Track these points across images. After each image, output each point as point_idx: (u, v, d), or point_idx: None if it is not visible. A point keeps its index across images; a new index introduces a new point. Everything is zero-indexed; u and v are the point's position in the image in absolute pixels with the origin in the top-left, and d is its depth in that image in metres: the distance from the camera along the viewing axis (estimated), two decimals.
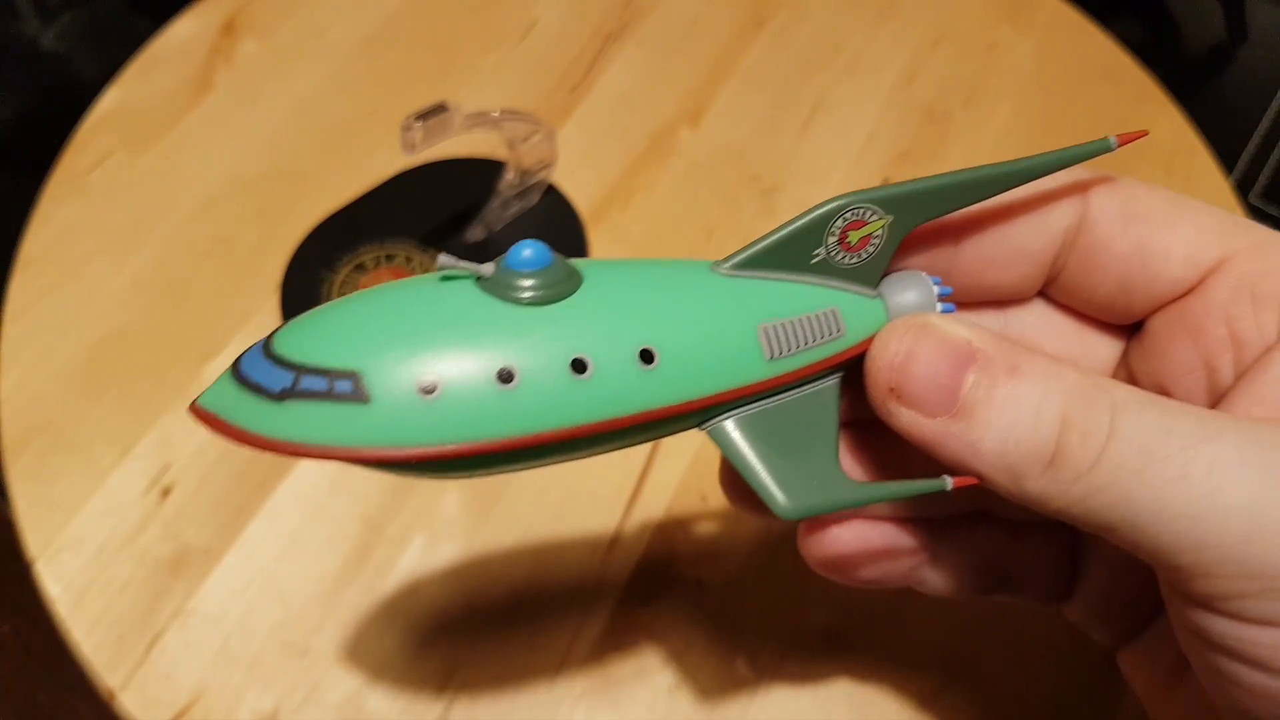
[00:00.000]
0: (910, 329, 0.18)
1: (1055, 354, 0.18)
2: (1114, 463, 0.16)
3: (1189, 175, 0.43)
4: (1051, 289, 0.21)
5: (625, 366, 0.16)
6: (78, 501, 0.33)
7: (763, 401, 0.18)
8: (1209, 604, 0.16)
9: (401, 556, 0.33)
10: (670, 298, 0.18)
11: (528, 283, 0.16)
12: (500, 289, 0.16)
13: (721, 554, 0.33)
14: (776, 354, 0.18)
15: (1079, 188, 0.20)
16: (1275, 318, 0.18)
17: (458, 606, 0.32)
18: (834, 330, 0.19)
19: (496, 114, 0.37)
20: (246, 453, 0.34)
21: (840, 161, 0.43)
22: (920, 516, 0.23)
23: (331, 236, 0.40)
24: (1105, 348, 0.22)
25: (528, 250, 0.16)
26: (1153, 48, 0.49)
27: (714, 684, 0.31)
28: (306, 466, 0.34)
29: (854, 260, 0.19)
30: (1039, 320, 0.22)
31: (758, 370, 0.18)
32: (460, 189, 0.41)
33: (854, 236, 0.19)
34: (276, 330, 0.16)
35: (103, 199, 0.41)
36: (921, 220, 0.19)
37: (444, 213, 0.40)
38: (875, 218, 0.18)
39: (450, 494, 0.34)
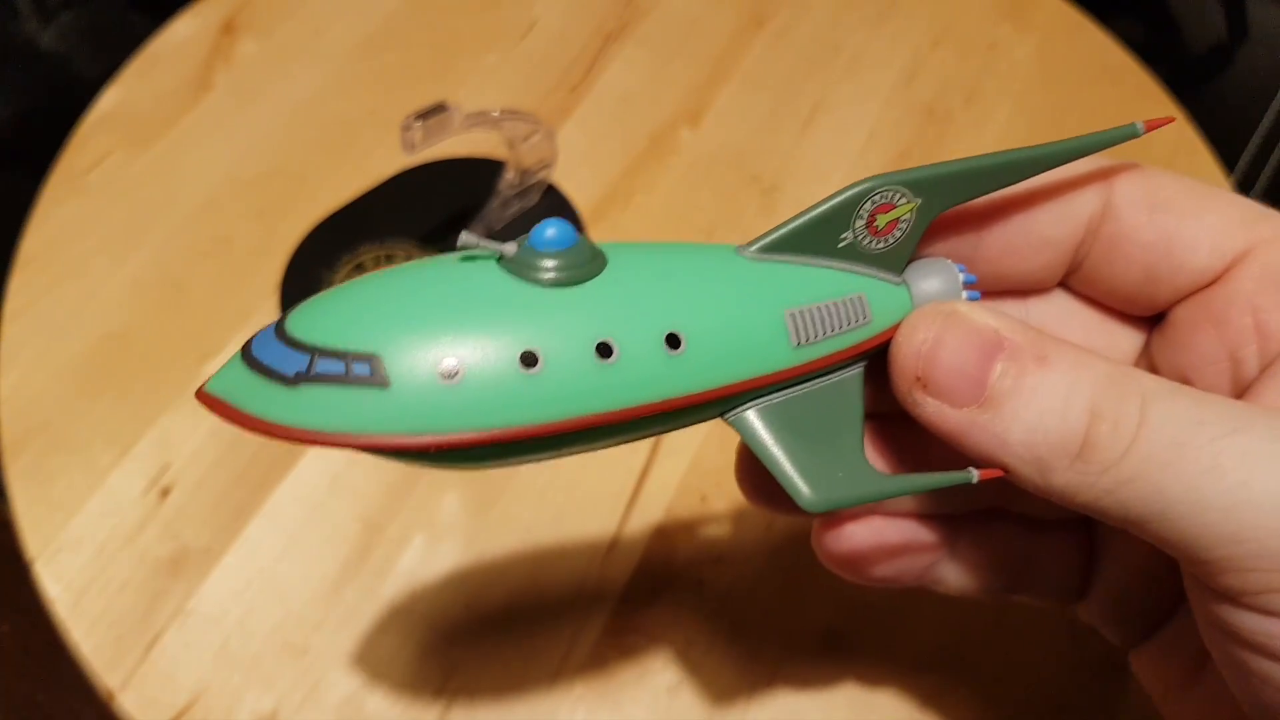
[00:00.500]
0: (937, 317, 0.18)
1: (1078, 344, 0.18)
2: (1144, 454, 0.16)
3: (1190, 175, 0.43)
4: (1073, 279, 0.21)
5: (651, 352, 0.16)
6: (77, 501, 0.33)
7: (786, 390, 0.18)
8: (1238, 598, 0.16)
9: (401, 557, 0.33)
10: (696, 281, 0.17)
11: (551, 263, 0.15)
12: (523, 269, 0.15)
13: (722, 554, 0.33)
14: (803, 340, 0.17)
15: (1102, 175, 0.20)
16: None
17: (457, 607, 0.32)
18: (861, 317, 0.18)
19: (496, 114, 0.37)
20: (246, 452, 0.34)
21: (840, 161, 0.43)
22: (936, 513, 0.22)
23: (331, 236, 0.39)
24: (1127, 339, 0.21)
25: (551, 230, 0.15)
26: (1153, 47, 0.49)
27: (714, 685, 0.31)
28: (306, 466, 0.34)
29: (881, 245, 0.18)
30: (1060, 310, 0.21)
31: (784, 357, 0.17)
32: (460, 189, 0.41)
33: (882, 220, 0.18)
34: (289, 311, 0.15)
35: (102, 199, 0.41)
36: (949, 204, 0.19)
37: (444, 213, 0.40)
38: (904, 200, 0.18)
39: (450, 494, 0.34)
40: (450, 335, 0.14)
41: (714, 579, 0.33)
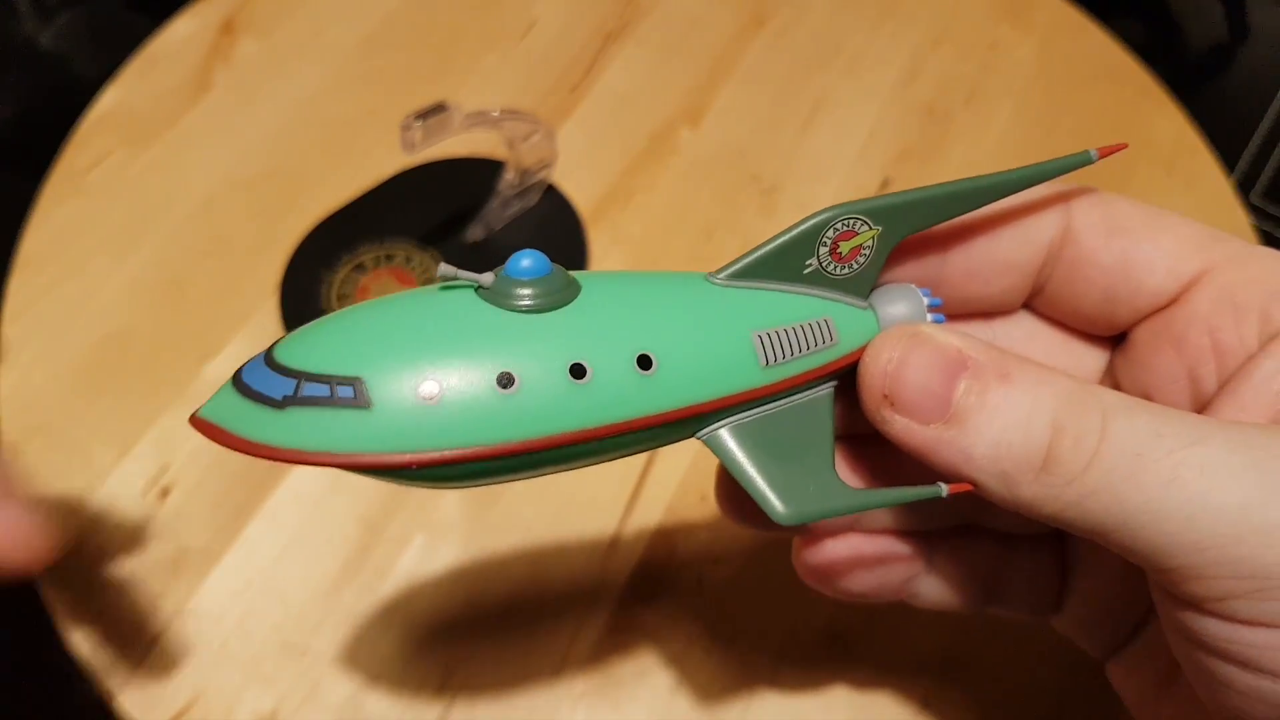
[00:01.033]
0: (903, 337, 0.18)
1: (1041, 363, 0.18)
2: (1106, 466, 0.16)
3: (1190, 175, 0.43)
4: (1036, 301, 0.22)
5: (623, 372, 0.16)
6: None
7: (758, 409, 0.18)
8: (1201, 605, 0.16)
9: (401, 557, 0.33)
10: (667, 306, 0.18)
11: (526, 291, 0.16)
12: (499, 298, 0.16)
13: (721, 554, 0.33)
14: (771, 361, 0.18)
15: (1061, 199, 0.20)
16: (1255, 328, 0.19)
17: (457, 607, 0.32)
18: (827, 339, 0.19)
19: (496, 114, 0.37)
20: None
21: (840, 161, 0.43)
22: (912, 530, 0.23)
23: (331, 236, 0.39)
24: (1091, 359, 0.22)
25: (526, 260, 0.16)
26: (1153, 47, 0.49)
27: (714, 684, 0.31)
28: (305, 466, 0.34)
29: (845, 271, 0.19)
30: (1025, 332, 0.22)
31: (754, 377, 0.18)
32: (460, 189, 0.41)
33: (845, 247, 0.19)
34: (278, 341, 0.16)
35: (102, 198, 0.41)
36: (909, 231, 0.19)
37: (444, 212, 0.40)
38: (865, 229, 0.19)
39: (450, 495, 0.34)
40: (429, 359, 0.15)
41: (714, 578, 0.33)
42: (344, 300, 0.38)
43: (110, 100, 0.44)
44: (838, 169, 0.43)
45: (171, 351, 0.37)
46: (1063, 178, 0.20)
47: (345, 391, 0.15)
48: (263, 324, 0.37)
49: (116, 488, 0.34)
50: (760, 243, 0.19)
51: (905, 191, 0.19)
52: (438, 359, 0.15)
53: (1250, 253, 0.19)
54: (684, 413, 0.17)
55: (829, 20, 0.48)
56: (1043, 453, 0.17)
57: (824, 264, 0.19)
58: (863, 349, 0.19)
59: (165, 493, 0.34)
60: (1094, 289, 0.20)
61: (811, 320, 0.19)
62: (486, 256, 0.39)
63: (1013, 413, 0.17)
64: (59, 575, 0.32)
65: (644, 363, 0.17)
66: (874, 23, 0.48)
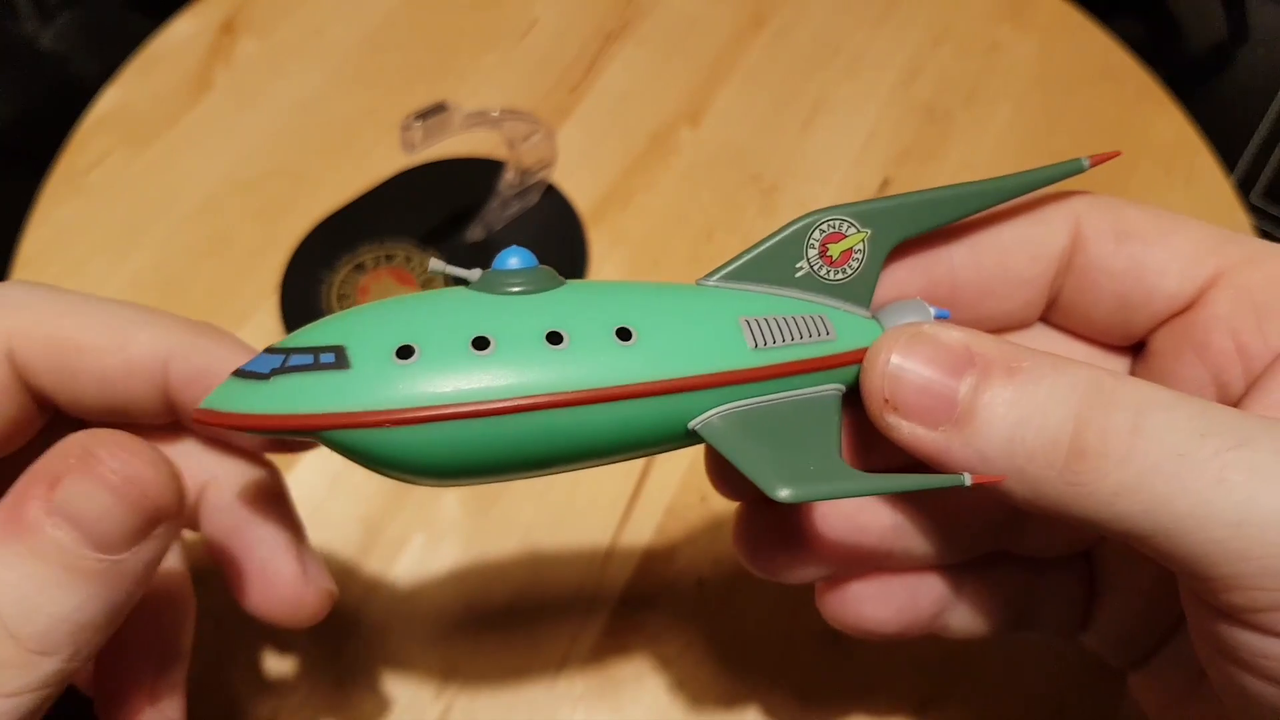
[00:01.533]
0: (901, 336, 0.18)
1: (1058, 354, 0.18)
2: (1143, 464, 0.15)
3: (1190, 175, 0.43)
4: (1051, 313, 0.21)
5: (601, 340, 0.16)
6: None
7: (754, 400, 0.18)
8: (1240, 617, 0.15)
9: (401, 557, 0.33)
10: (651, 292, 0.18)
11: (511, 279, 0.17)
12: (486, 289, 0.17)
13: (721, 555, 0.33)
14: (760, 344, 0.18)
15: (1064, 202, 0.20)
16: (1279, 327, 0.18)
17: (457, 607, 0.32)
18: (822, 332, 0.18)
19: (496, 114, 0.37)
20: None
21: (840, 161, 0.43)
22: (940, 564, 0.22)
23: (331, 236, 0.39)
24: (1115, 367, 0.21)
25: (514, 259, 0.17)
26: (1153, 47, 0.49)
27: (714, 686, 0.31)
28: (306, 466, 0.34)
29: (839, 276, 0.19)
30: (1043, 344, 0.21)
31: (742, 358, 0.17)
32: (460, 189, 0.41)
33: (834, 250, 0.19)
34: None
35: (102, 199, 0.41)
36: (902, 235, 0.19)
37: (444, 213, 0.40)
38: (853, 231, 0.19)
39: (450, 495, 0.34)
40: (409, 328, 0.16)
41: (714, 580, 0.33)
42: (344, 300, 0.38)
43: (110, 100, 0.44)
44: (838, 169, 0.43)
45: None
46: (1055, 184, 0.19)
47: (327, 358, 0.15)
48: (263, 324, 0.37)
49: None
50: (748, 247, 0.19)
51: (893, 195, 0.19)
52: (417, 327, 0.16)
53: (1265, 251, 0.19)
54: (666, 386, 0.17)
55: (829, 20, 0.48)
56: (1064, 449, 0.16)
57: (815, 267, 0.19)
58: (865, 351, 0.19)
59: None
60: (1107, 296, 0.20)
61: (804, 314, 0.19)
62: (486, 257, 0.39)
63: (1024, 407, 0.16)
64: None
65: (623, 334, 0.16)
66: (874, 23, 0.48)
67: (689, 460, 0.35)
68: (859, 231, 0.19)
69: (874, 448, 0.19)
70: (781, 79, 0.46)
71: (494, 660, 0.31)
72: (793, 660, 0.31)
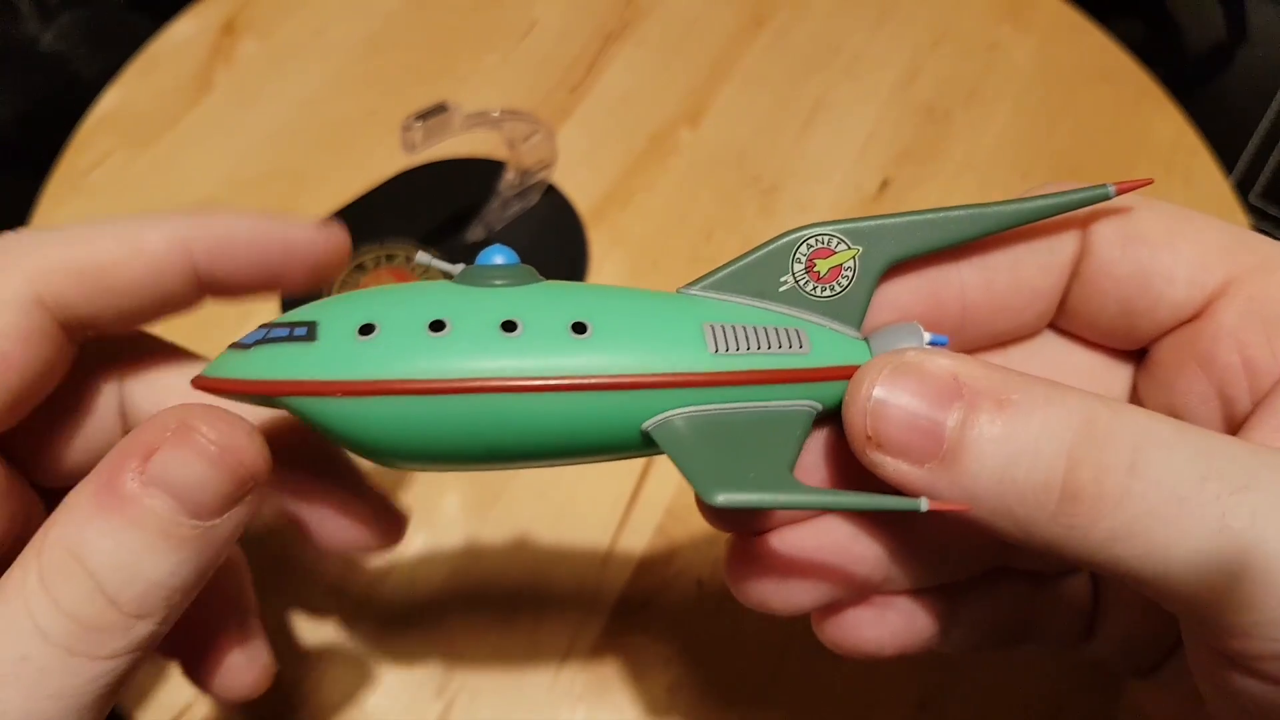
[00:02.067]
0: (884, 367, 0.16)
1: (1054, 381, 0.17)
2: (1142, 508, 0.14)
3: (1189, 175, 0.43)
4: (1057, 317, 0.20)
5: (554, 332, 0.17)
6: None
7: (714, 406, 0.17)
8: (1244, 663, 0.15)
9: (401, 556, 0.33)
10: (617, 295, 0.18)
11: (491, 274, 0.18)
12: (466, 281, 0.18)
13: (721, 554, 0.33)
14: (721, 350, 0.17)
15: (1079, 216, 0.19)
16: None
17: (458, 606, 0.32)
18: (793, 344, 0.18)
19: (496, 114, 0.37)
20: None
21: (840, 161, 0.43)
22: (940, 584, 0.21)
23: None
24: (1122, 375, 0.20)
25: (498, 257, 0.18)
26: (1153, 48, 0.49)
27: (713, 685, 0.31)
28: None
29: (827, 293, 0.18)
30: (1049, 351, 0.21)
31: (699, 361, 0.17)
32: (460, 189, 0.41)
33: (822, 266, 0.18)
34: None
35: (103, 199, 0.41)
36: (897, 255, 0.18)
37: (444, 213, 0.40)
38: (843, 247, 0.18)
39: (450, 494, 0.34)
40: (377, 309, 0.17)
41: (713, 579, 0.33)
42: None
43: (111, 100, 0.44)
44: (837, 169, 0.43)
45: None
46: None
47: (300, 331, 0.17)
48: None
49: None
50: (734, 259, 0.18)
51: (891, 214, 0.18)
52: (384, 310, 0.17)
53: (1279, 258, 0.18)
54: (614, 382, 0.17)
55: (829, 21, 0.48)
56: (1056, 491, 0.15)
57: (800, 282, 0.18)
58: (844, 368, 0.18)
59: None
60: (1110, 302, 0.19)
61: (777, 325, 0.18)
62: None
63: (1014, 444, 0.15)
64: None
65: (578, 329, 0.17)
66: (874, 23, 0.48)
67: None
68: (849, 249, 0.18)
69: (870, 477, 0.18)
70: (781, 79, 0.46)
71: (494, 659, 0.31)
72: (791, 660, 0.31)
